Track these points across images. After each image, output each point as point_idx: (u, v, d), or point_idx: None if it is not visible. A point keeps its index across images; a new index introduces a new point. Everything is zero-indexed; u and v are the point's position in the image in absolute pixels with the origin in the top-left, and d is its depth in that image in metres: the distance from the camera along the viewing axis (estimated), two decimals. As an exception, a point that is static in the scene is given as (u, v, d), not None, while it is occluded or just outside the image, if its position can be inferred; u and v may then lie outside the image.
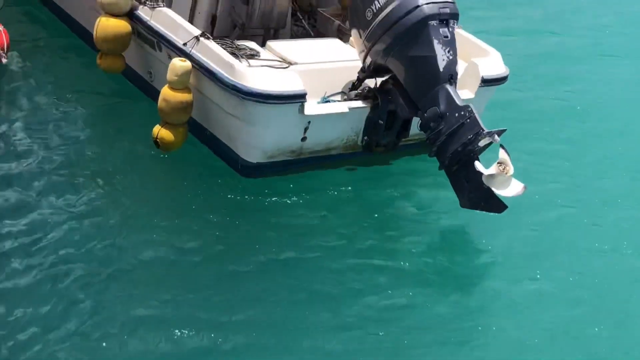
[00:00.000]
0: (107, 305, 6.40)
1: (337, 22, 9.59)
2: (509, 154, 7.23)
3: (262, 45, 8.70)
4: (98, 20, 8.33)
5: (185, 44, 7.88)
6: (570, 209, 8.37)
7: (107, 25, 8.27)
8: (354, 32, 8.05)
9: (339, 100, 8.18)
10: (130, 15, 8.38)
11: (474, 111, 7.37)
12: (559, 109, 10.56)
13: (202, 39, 7.83)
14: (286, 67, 8.14)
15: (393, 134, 8.23)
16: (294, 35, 9.70)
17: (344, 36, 9.31)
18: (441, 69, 7.47)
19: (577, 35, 13.23)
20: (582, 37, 13.17)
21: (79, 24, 9.88)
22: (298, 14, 10.01)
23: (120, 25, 8.30)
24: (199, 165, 8.23)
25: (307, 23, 10.01)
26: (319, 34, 9.73)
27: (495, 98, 8.95)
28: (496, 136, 7.28)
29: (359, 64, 8.09)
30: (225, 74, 7.56)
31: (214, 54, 7.72)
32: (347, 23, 9.32)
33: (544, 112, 10.35)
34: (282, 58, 8.33)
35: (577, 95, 11.03)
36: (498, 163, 7.22)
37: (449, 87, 7.51)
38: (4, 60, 8.84)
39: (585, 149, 9.60)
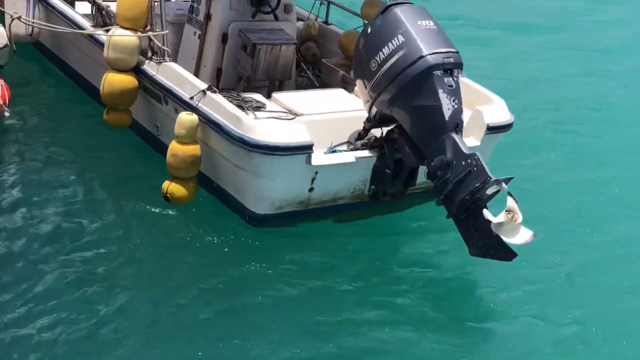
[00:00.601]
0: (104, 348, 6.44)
1: (342, 72, 9.66)
2: (516, 202, 7.21)
3: (268, 96, 8.76)
4: (105, 75, 8.39)
5: (192, 98, 7.94)
6: (577, 255, 8.37)
7: (114, 81, 8.34)
8: (358, 82, 8.10)
9: (345, 150, 8.20)
10: (137, 70, 8.45)
11: (481, 159, 7.37)
12: (561, 150, 10.65)
13: (208, 92, 7.88)
14: (292, 119, 8.18)
15: (400, 183, 8.24)
16: (299, 86, 9.78)
17: (348, 86, 9.37)
18: (447, 118, 7.49)
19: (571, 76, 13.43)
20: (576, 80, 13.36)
21: (85, 79, 9.96)
22: (302, 64, 10.12)
23: (127, 81, 8.36)
24: (207, 216, 8.23)
25: (312, 73, 10.11)
26: (324, 84, 9.81)
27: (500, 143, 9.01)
28: (503, 184, 7.27)
29: (365, 114, 8.13)
30: (232, 127, 7.60)
31: (220, 107, 7.77)
32: (352, 73, 9.39)
33: (547, 155, 10.42)
34: (288, 109, 8.38)
35: (578, 133, 11.16)
36: (506, 211, 7.20)
37: (455, 136, 7.52)
38: (7, 114, 8.90)
39: (592, 189, 9.65)
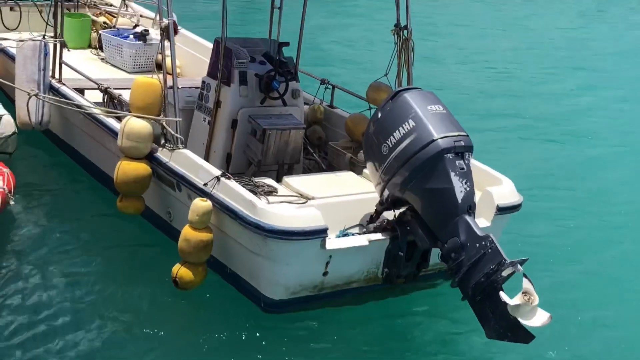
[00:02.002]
0: None
1: (349, 154, 9.79)
2: (532, 283, 7.23)
3: (277, 180, 8.85)
4: (119, 164, 8.47)
5: (206, 184, 8.00)
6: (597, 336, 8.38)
7: (128, 169, 8.40)
8: (369, 165, 8.20)
9: (357, 233, 8.24)
10: (150, 158, 8.54)
11: (495, 241, 7.42)
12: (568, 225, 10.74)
13: (222, 178, 7.95)
14: (304, 202, 8.25)
15: (413, 265, 8.26)
16: (306, 169, 9.89)
17: (356, 168, 9.48)
18: (459, 201, 7.57)
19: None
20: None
21: (96, 167, 10.05)
22: (308, 147, 10.25)
23: (141, 168, 8.43)
24: (219, 302, 8.21)
25: (318, 156, 10.23)
26: (331, 166, 9.93)
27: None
28: (519, 266, 7.29)
29: (375, 196, 8.19)
30: (247, 213, 7.65)
31: (234, 192, 7.83)
32: (359, 155, 9.53)
33: (558, 234, 10.52)
34: (299, 193, 8.46)
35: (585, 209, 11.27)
36: (523, 293, 7.21)
37: (468, 218, 7.58)
38: (12, 202, 8.90)
39: (609, 267, 9.70)
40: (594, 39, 23.92)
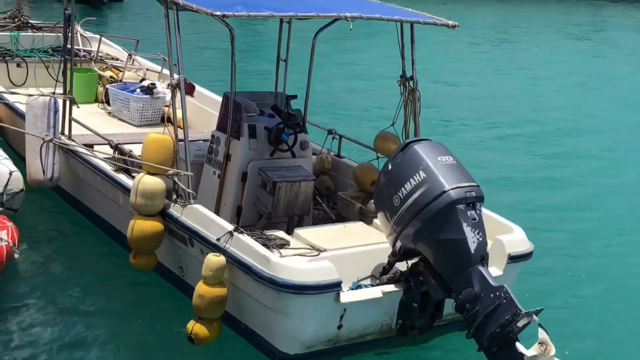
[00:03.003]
0: None
1: (358, 204, 9.80)
2: (548, 334, 7.24)
3: (288, 232, 8.86)
4: (133, 221, 8.48)
5: (219, 239, 8.01)
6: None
7: (142, 226, 8.40)
8: (380, 215, 8.22)
9: (370, 285, 8.24)
10: (162, 214, 8.56)
11: (509, 291, 7.42)
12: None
13: (235, 233, 7.97)
14: (317, 255, 8.25)
15: (427, 316, 8.24)
16: (315, 220, 9.90)
17: (366, 218, 9.49)
18: (472, 251, 7.59)
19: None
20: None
21: (108, 223, 10.07)
22: (317, 197, 10.27)
23: (154, 225, 8.44)
24: (234, 357, 8.20)
25: (327, 206, 10.25)
26: (341, 217, 9.93)
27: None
28: (534, 316, 7.31)
29: (387, 247, 8.21)
30: (261, 267, 7.65)
31: (248, 247, 7.84)
32: (368, 205, 9.56)
33: (570, 281, 10.49)
34: (311, 245, 8.46)
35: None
36: (539, 343, 7.21)
37: (482, 268, 7.60)
38: (17, 256, 8.91)
39: (623, 314, 9.67)
40: (601, 86, 24.11)
